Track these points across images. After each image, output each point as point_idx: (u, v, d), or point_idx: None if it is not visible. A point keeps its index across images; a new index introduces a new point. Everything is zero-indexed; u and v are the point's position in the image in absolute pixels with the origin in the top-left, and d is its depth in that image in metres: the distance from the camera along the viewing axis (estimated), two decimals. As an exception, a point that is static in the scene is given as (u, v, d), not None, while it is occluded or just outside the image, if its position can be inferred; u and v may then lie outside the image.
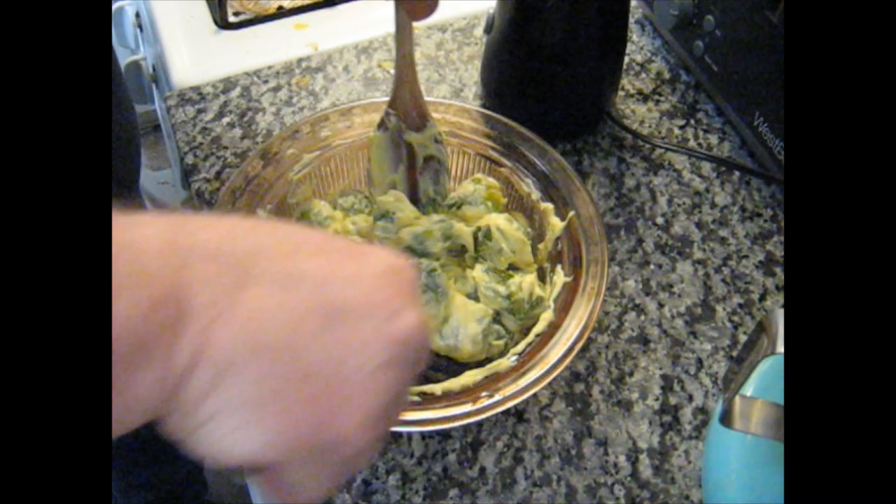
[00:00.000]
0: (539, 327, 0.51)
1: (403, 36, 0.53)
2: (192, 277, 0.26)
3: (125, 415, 0.26)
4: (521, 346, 0.50)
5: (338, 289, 0.28)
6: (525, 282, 0.53)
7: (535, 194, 0.57)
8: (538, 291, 0.53)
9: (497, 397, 0.47)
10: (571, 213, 0.55)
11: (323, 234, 0.31)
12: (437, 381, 0.50)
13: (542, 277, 0.55)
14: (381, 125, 0.56)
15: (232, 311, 0.26)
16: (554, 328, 0.50)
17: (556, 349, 0.48)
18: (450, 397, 0.48)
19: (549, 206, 0.56)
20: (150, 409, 0.26)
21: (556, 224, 0.55)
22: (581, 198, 0.55)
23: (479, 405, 0.46)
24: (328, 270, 0.29)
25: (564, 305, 0.51)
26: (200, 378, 0.26)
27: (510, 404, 0.46)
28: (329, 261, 0.29)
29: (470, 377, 0.49)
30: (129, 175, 0.73)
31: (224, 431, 0.26)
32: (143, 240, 0.26)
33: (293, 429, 0.27)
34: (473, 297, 0.53)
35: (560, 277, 0.53)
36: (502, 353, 0.52)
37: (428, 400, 0.48)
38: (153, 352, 0.25)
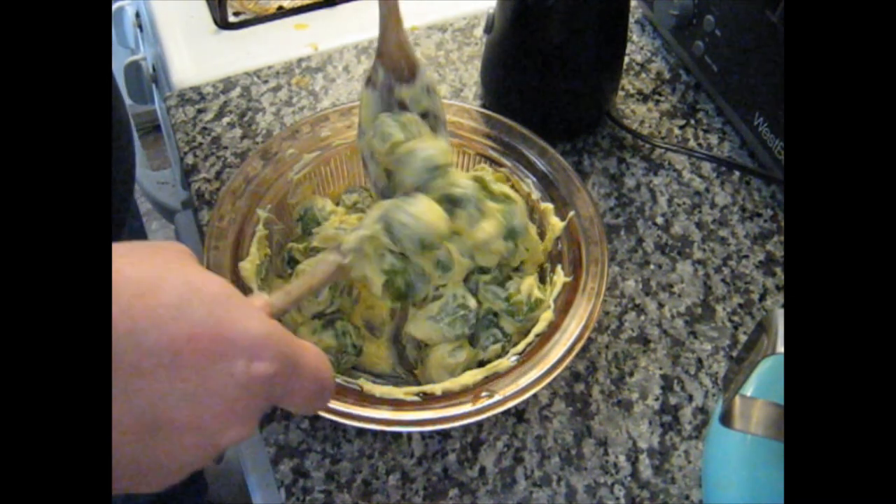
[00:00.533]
0: (539, 327, 0.51)
1: None
2: None
3: None
4: (521, 346, 0.50)
5: (171, 404, 0.30)
6: (524, 284, 0.53)
7: (535, 194, 0.57)
8: (537, 294, 0.53)
9: (497, 397, 0.47)
10: (571, 214, 0.55)
11: (208, 311, 0.31)
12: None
13: (542, 277, 0.55)
14: (369, 81, 0.51)
15: None
16: (554, 328, 0.50)
17: (557, 349, 0.48)
18: (449, 397, 0.48)
19: (549, 206, 0.56)
20: None
21: (556, 224, 0.55)
22: (581, 198, 0.55)
23: (479, 405, 0.46)
24: (170, 387, 0.30)
25: (564, 305, 0.51)
26: None
27: (510, 404, 0.46)
28: (178, 374, 0.30)
29: (470, 377, 0.49)
30: (124, 174, 0.73)
31: None
32: None
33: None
34: (473, 291, 0.53)
35: (560, 277, 0.53)
36: (500, 355, 0.52)
37: (428, 400, 0.48)
38: None
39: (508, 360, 0.50)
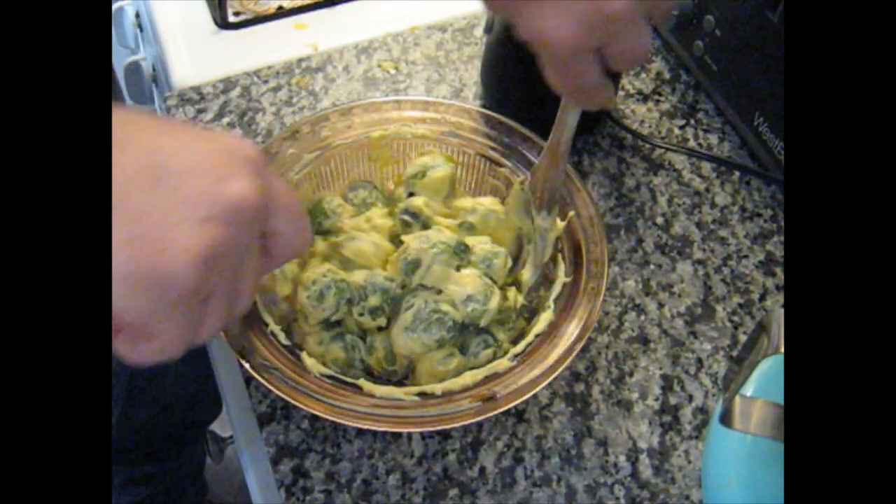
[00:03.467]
0: (539, 327, 0.51)
1: (561, 121, 0.50)
2: None
3: None
4: (521, 346, 0.50)
5: (168, 155, 0.31)
6: (511, 292, 0.53)
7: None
8: (521, 301, 0.53)
9: (496, 398, 0.47)
10: (571, 213, 0.55)
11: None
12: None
13: (542, 277, 0.55)
14: (523, 185, 0.55)
15: None
16: (554, 328, 0.50)
17: (556, 349, 0.49)
18: (449, 397, 0.48)
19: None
20: None
21: (556, 224, 0.55)
22: (581, 198, 0.55)
23: (478, 405, 0.46)
24: (163, 141, 0.32)
25: (565, 305, 0.51)
26: None
27: (510, 404, 0.46)
28: (171, 130, 0.33)
29: (470, 377, 0.49)
30: None
31: None
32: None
33: (124, 265, 0.29)
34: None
35: (560, 277, 0.53)
36: (492, 360, 0.51)
37: (428, 400, 0.48)
38: None
39: (508, 361, 0.50)
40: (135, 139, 0.31)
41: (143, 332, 0.31)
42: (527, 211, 0.55)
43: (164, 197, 0.30)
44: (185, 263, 0.30)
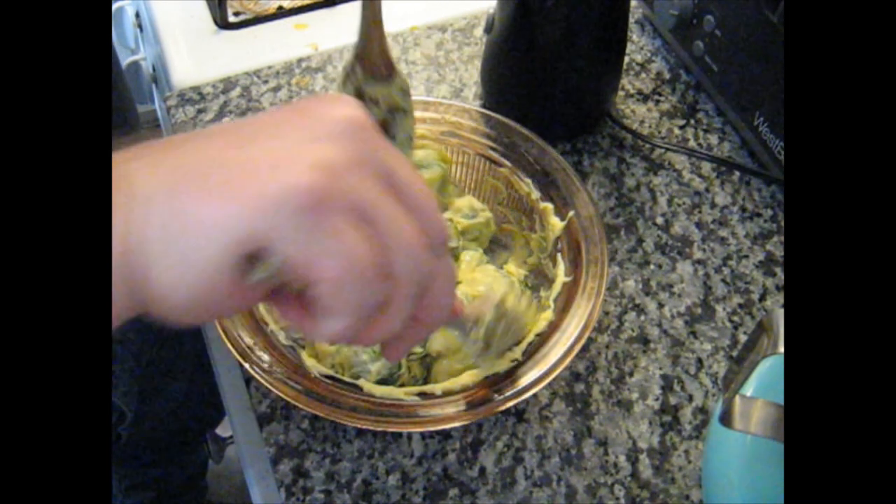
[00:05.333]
0: (539, 327, 0.51)
1: None
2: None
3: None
4: (521, 347, 0.50)
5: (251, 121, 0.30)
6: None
7: (535, 194, 0.57)
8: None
9: (496, 398, 0.47)
10: (571, 214, 0.55)
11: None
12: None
13: (542, 277, 0.56)
14: (346, 80, 0.52)
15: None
16: (553, 328, 0.50)
17: (556, 349, 0.48)
18: (449, 397, 0.48)
19: (548, 205, 0.56)
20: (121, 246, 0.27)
21: (555, 224, 0.55)
22: (581, 198, 0.55)
23: (478, 405, 0.46)
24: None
25: (564, 305, 0.51)
26: (155, 201, 0.28)
27: (509, 404, 0.46)
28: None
29: (469, 377, 0.49)
30: None
31: (191, 232, 0.27)
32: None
33: (251, 196, 0.27)
34: None
35: (560, 277, 0.53)
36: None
37: (428, 400, 0.48)
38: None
39: (508, 361, 0.50)
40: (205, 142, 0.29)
41: (310, 268, 0.28)
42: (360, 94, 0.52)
43: (274, 126, 0.29)
44: (306, 174, 0.27)
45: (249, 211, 0.27)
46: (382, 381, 0.50)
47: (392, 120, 0.52)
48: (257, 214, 0.27)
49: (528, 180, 0.57)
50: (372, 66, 0.51)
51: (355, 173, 0.28)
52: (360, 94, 0.52)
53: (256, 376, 0.47)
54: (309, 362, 0.49)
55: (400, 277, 0.30)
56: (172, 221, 0.27)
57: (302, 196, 0.27)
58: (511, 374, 0.48)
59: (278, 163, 0.28)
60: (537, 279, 0.56)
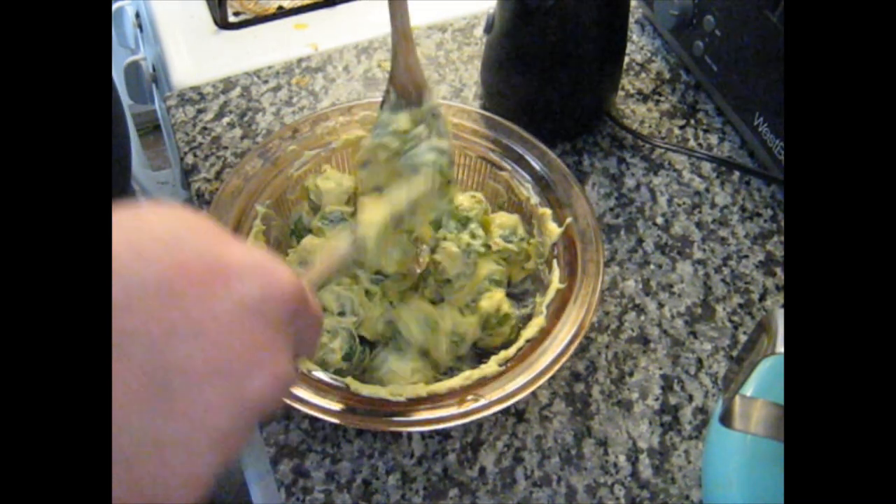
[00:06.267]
0: (529, 333, 0.51)
1: (397, 5, 0.48)
2: None
3: None
4: (511, 351, 0.50)
5: (177, 345, 0.24)
6: (494, 298, 0.53)
7: (534, 199, 0.57)
8: (506, 308, 0.53)
9: (483, 401, 0.47)
10: (569, 220, 0.55)
11: (198, 240, 0.26)
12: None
13: (538, 283, 0.56)
14: (383, 103, 0.51)
15: None
16: (545, 334, 0.50)
17: (546, 355, 0.48)
18: (435, 399, 0.48)
19: (546, 211, 0.56)
20: None
21: (553, 230, 0.55)
22: (579, 203, 0.55)
23: (464, 408, 0.46)
24: (170, 321, 0.24)
25: (557, 311, 0.51)
26: None
27: (496, 409, 0.47)
28: (175, 303, 0.25)
29: (458, 381, 0.49)
30: (120, 171, 0.72)
31: None
32: None
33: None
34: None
35: (554, 284, 0.53)
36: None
37: (413, 402, 0.48)
38: None
39: (497, 366, 0.50)
40: (137, 306, 0.24)
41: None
42: (401, 112, 0.51)
43: (167, 421, 0.24)
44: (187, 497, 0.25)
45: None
46: (347, 357, 0.50)
47: (417, 145, 0.51)
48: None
49: (528, 184, 0.57)
50: (401, 86, 0.51)
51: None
52: (396, 112, 0.51)
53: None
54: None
55: None
56: None
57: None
58: (498, 379, 0.48)
59: (165, 479, 0.25)
60: (533, 284, 0.56)
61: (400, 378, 0.50)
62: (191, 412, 0.24)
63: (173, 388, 0.24)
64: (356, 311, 0.52)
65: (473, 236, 0.54)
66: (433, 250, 0.54)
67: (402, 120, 0.49)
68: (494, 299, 0.53)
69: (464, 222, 0.55)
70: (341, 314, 0.52)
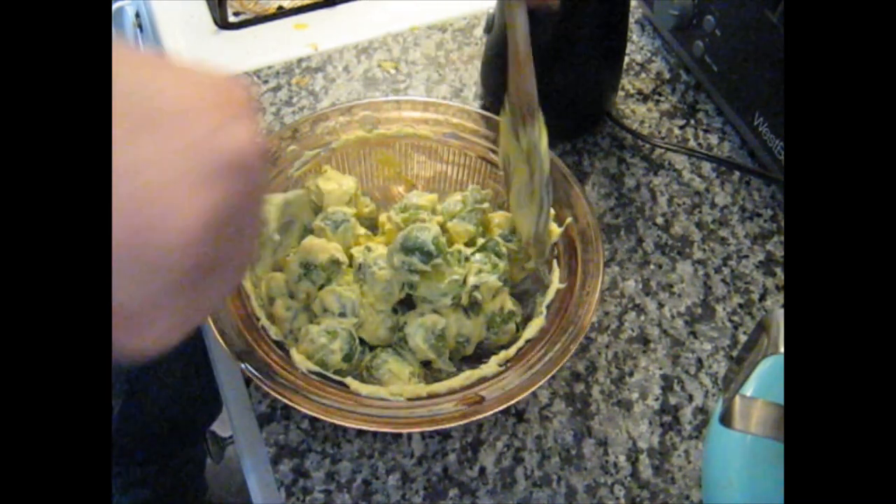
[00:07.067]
0: (530, 333, 0.51)
1: (513, 26, 0.49)
2: None
3: None
4: (511, 351, 0.50)
5: (156, 90, 0.27)
6: (498, 296, 0.53)
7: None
8: (510, 306, 0.53)
9: (482, 401, 0.47)
10: (569, 220, 0.55)
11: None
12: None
13: (538, 283, 0.56)
14: (502, 111, 0.53)
15: None
16: (545, 334, 0.50)
17: (546, 355, 0.48)
18: (434, 399, 0.48)
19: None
20: None
21: (553, 230, 0.55)
22: (579, 204, 0.55)
23: (463, 408, 0.46)
24: (151, 74, 0.27)
25: (557, 312, 0.51)
26: None
27: (495, 409, 0.47)
28: (158, 68, 0.28)
29: (458, 381, 0.49)
30: None
31: None
32: None
33: (115, 237, 0.25)
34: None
35: (554, 284, 0.53)
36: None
37: (412, 401, 0.48)
38: None
39: (497, 365, 0.50)
40: (120, 74, 0.27)
41: (139, 318, 0.27)
42: (515, 134, 0.53)
43: (156, 147, 0.26)
44: (183, 238, 0.26)
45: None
46: (347, 358, 0.50)
47: (517, 168, 0.53)
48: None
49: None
50: (512, 105, 0.52)
51: (226, 236, 0.28)
52: (514, 129, 0.52)
53: (255, 379, 0.47)
54: (297, 358, 0.49)
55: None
56: None
57: (162, 265, 0.27)
58: (498, 379, 0.48)
59: (158, 207, 0.26)
60: (534, 284, 0.56)
61: (398, 380, 0.50)
62: (170, 145, 0.26)
63: (153, 123, 0.26)
64: (356, 312, 0.52)
65: (499, 255, 0.53)
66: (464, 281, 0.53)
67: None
68: (498, 298, 0.53)
69: (494, 251, 0.53)
70: (342, 315, 0.52)
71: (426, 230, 0.50)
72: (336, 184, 0.57)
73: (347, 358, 0.50)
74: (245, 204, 0.29)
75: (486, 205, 0.56)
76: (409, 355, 0.51)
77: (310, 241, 0.54)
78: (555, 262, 0.54)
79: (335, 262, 0.53)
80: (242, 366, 0.47)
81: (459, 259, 0.52)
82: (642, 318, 0.58)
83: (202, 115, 0.28)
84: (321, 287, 0.53)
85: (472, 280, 0.51)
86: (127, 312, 0.27)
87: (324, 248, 0.53)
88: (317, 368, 0.49)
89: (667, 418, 0.53)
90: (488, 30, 0.64)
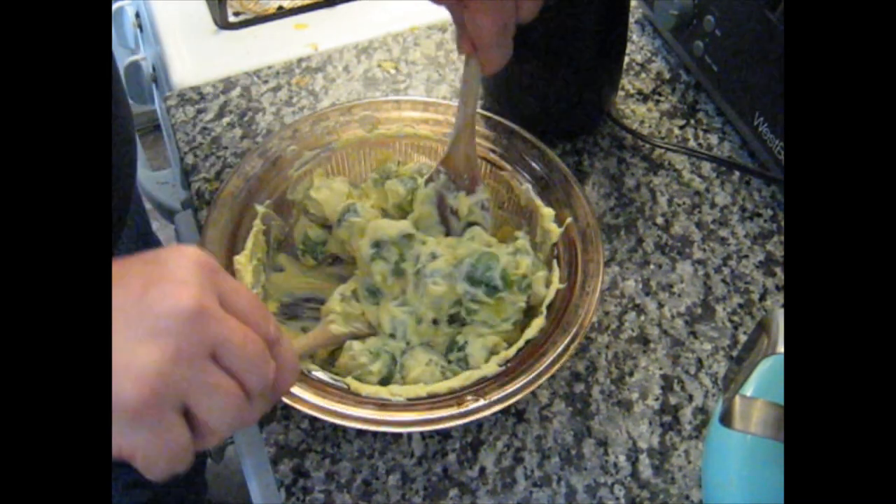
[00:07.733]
0: (530, 333, 0.51)
1: (469, 92, 0.51)
2: None
3: None
4: (512, 352, 0.50)
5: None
6: (523, 263, 0.52)
7: (535, 200, 0.57)
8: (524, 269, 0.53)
9: (482, 402, 0.47)
10: (569, 220, 0.55)
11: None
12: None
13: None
14: (430, 179, 0.55)
15: None
16: (545, 334, 0.50)
17: (546, 356, 0.48)
18: (435, 400, 0.48)
19: (547, 211, 0.56)
20: None
21: (553, 230, 0.55)
22: (580, 204, 0.55)
23: (463, 409, 0.46)
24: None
25: (557, 312, 0.51)
26: None
27: (495, 409, 0.47)
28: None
29: (458, 381, 0.49)
30: (125, 171, 0.72)
31: None
32: None
33: None
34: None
35: (554, 284, 0.53)
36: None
37: (413, 401, 0.48)
38: None
39: (497, 366, 0.50)
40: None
41: (127, 452, 0.31)
42: (438, 203, 0.55)
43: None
44: (130, 386, 0.30)
45: None
46: (383, 381, 0.50)
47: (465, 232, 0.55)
48: None
49: (528, 185, 0.57)
50: (456, 173, 0.54)
51: (182, 366, 0.31)
52: (441, 199, 0.55)
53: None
54: None
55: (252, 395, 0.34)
56: None
57: (129, 410, 0.30)
58: (498, 380, 0.48)
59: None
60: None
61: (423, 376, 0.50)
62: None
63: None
64: (408, 337, 0.52)
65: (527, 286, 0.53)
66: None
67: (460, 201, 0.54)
68: (524, 263, 0.53)
69: (520, 285, 0.53)
70: (392, 336, 0.51)
71: (495, 260, 0.50)
72: (328, 189, 0.57)
73: (384, 382, 0.50)
74: (186, 353, 0.31)
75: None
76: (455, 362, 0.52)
77: (376, 220, 0.54)
78: (555, 262, 0.54)
79: (407, 237, 0.52)
80: None
81: (521, 285, 0.52)
82: (642, 318, 0.58)
83: (134, 280, 0.31)
84: (396, 263, 0.52)
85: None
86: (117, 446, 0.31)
87: (392, 224, 0.53)
88: (317, 369, 0.49)
89: (667, 418, 0.53)
90: (488, 30, 0.64)
